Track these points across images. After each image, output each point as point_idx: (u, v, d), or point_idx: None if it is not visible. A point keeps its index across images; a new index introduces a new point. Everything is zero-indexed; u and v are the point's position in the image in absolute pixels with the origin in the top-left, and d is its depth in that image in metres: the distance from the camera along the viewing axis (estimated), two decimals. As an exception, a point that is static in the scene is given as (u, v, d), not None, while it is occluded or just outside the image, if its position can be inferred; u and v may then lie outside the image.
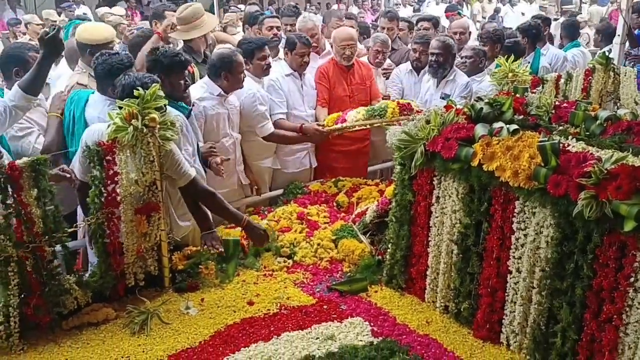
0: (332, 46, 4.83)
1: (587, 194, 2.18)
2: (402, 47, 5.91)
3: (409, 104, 4.10)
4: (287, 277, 3.19)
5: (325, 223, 3.77)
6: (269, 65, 4.32)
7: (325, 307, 2.91)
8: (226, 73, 3.86)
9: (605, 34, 6.64)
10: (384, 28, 5.80)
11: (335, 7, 16.41)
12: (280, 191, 4.40)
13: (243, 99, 4.11)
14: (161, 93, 2.81)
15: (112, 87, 3.25)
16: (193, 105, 3.60)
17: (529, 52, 5.72)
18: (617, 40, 5.48)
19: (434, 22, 6.36)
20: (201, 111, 3.80)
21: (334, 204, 4.11)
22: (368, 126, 4.31)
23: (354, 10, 15.10)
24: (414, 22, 6.63)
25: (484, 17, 15.37)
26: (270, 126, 4.22)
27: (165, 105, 2.84)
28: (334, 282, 3.13)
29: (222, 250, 3.27)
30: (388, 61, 5.39)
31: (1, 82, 3.97)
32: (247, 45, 4.25)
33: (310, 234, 3.59)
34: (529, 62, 5.41)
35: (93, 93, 3.46)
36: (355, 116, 4.11)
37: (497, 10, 16.19)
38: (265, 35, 5.17)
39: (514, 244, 2.50)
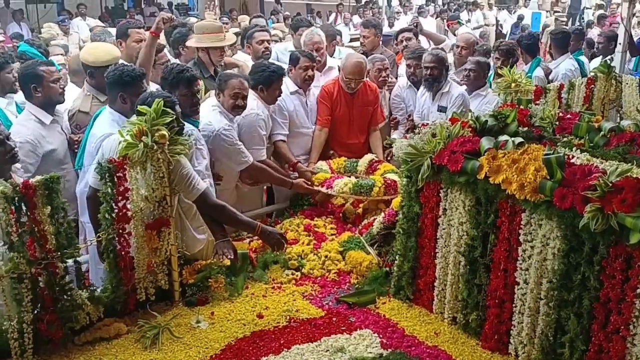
0: (339, 69, 4.81)
1: (592, 206, 2.21)
2: (386, 52, 5.90)
3: (394, 182, 4.03)
4: (295, 290, 3.21)
5: (332, 235, 3.81)
6: (280, 94, 4.26)
7: (334, 319, 2.94)
8: (219, 91, 3.86)
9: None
10: (361, 36, 5.96)
11: (333, 16, 16.50)
12: (286, 203, 4.42)
13: (244, 117, 4.00)
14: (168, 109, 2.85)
15: (122, 98, 3.31)
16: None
17: (526, 62, 5.79)
18: (618, 48, 5.52)
19: (415, 32, 6.43)
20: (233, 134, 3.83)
21: (341, 215, 4.13)
22: (353, 199, 4.17)
23: (355, 19, 15.15)
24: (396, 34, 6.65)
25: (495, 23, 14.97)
26: (261, 154, 4.12)
27: (176, 120, 2.88)
28: (342, 294, 3.16)
29: (233, 257, 3.27)
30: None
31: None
32: (269, 74, 4.12)
33: (318, 246, 3.61)
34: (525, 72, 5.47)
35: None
36: (342, 188, 4.04)
37: (520, 18, 15.65)
38: (256, 49, 5.20)
39: (521, 255, 2.53)
